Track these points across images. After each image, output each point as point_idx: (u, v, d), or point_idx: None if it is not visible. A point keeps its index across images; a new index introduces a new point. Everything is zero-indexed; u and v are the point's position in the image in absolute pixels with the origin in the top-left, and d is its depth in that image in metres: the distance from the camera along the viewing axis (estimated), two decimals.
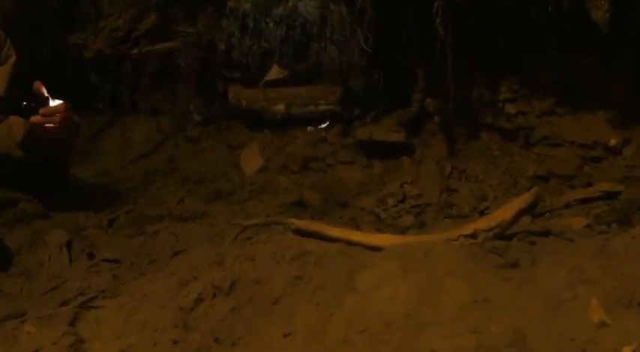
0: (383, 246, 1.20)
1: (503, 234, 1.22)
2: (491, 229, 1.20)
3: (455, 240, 1.19)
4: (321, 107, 2.42)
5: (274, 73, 2.49)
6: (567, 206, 1.62)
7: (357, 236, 1.27)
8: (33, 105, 1.81)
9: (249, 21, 2.36)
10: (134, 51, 2.57)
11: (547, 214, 1.59)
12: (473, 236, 1.19)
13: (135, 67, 2.67)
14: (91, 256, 1.76)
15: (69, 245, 1.89)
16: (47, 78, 2.02)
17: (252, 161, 2.40)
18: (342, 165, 2.11)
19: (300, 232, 1.32)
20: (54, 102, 1.76)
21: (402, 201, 1.78)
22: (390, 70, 2.13)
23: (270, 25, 2.34)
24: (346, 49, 2.17)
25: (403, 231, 1.56)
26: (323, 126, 2.37)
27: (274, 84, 2.51)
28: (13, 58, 2.01)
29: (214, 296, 1.19)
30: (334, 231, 1.29)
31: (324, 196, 1.98)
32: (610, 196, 1.61)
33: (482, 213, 1.60)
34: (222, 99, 2.72)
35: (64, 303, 1.44)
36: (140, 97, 2.77)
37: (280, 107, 2.46)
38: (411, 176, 1.92)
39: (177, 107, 2.76)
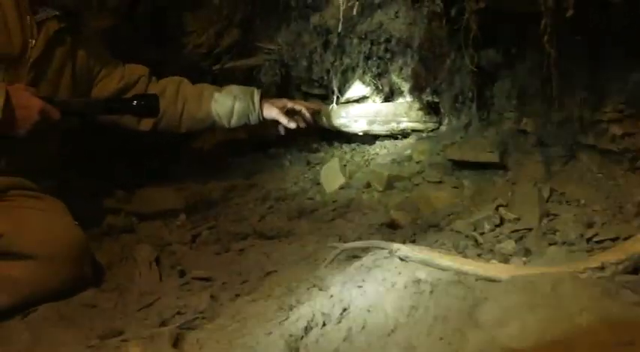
0: (502, 277, 1.14)
1: (633, 268, 1.14)
2: (620, 262, 1.12)
3: (581, 273, 1.12)
4: (404, 124, 2.38)
5: (356, 89, 2.46)
6: None
7: (471, 265, 1.21)
8: (143, 103, 1.92)
9: (332, 37, 2.34)
10: (216, 67, 2.58)
11: None
12: (601, 269, 1.11)
13: (215, 83, 2.68)
14: (182, 274, 1.76)
15: (157, 260, 1.90)
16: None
17: (332, 178, 2.37)
18: (429, 185, 2.05)
19: (408, 258, 1.28)
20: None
21: (500, 225, 1.71)
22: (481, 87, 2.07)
23: (354, 41, 2.32)
24: (435, 65, 2.13)
25: (506, 257, 1.49)
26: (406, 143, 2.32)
27: (355, 100, 2.48)
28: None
29: (324, 324, 1.15)
30: (446, 259, 1.23)
31: (413, 217, 1.92)
32: None
33: (589, 241, 1.52)
34: None
35: (163, 323, 1.43)
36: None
37: (362, 124, 2.42)
38: (506, 198, 1.84)
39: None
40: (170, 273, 1.81)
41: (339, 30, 2.26)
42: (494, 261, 1.39)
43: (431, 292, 1.13)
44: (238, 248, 1.95)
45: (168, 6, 2.55)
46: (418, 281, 1.17)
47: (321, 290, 1.33)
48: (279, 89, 2.61)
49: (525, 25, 1.77)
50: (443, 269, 1.23)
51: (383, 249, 1.35)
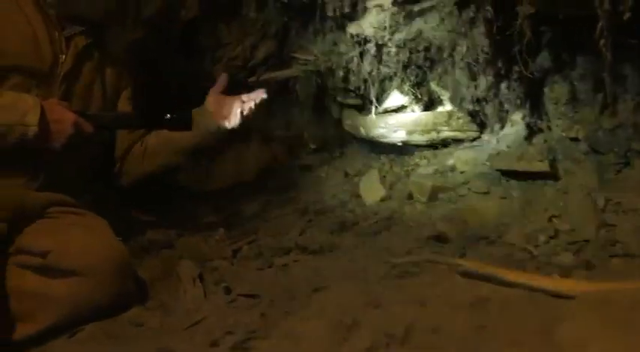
0: (574, 294, 1.08)
1: None
2: None
3: None
4: (444, 134, 2.32)
5: (394, 98, 2.42)
6: None
7: (540, 281, 1.15)
8: (176, 116, 1.88)
9: (370, 46, 2.30)
10: (251, 79, 2.56)
11: None
12: None
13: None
14: (227, 291, 1.72)
15: (201, 277, 1.87)
16: (168, 104, 2.10)
17: (372, 190, 2.32)
18: (476, 196, 1.99)
19: (469, 274, 1.22)
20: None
21: (554, 237, 1.65)
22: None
23: (393, 49, 2.27)
24: (478, 72, 2.08)
25: (566, 270, 1.42)
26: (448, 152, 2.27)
27: (394, 110, 2.44)
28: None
29: (388, 345, 1.10)
30: (512, 275, 1.18)
31: (460, 229, 1.87)
32: None
33: None
34: (336, 126, 2.67)
35: (214, 343, 1.39)
36: (253, 125, 2.75)
37: (401, 134, 2.37)
38: (558, 208, 1.78)
39: (291, 134, 2.74)
40: (215, 290, 1.77)
41: (377, 39, 2.24)
42: (556, 276, 1.33)
43: (500, 310, 1.08)
44: (281, 263, 1.91)
45: (201, 18, 2.54)
46: (485, 299, 1.12)
47: (377, 308, 1.28)
48: (316, 100, 2.58)
49: (576, 30, 1.72)
50: (510, 285, 1.17)
51: (440, 263, 1.30)
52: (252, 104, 2.01)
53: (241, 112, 2.00)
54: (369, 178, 2.38)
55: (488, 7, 1.61)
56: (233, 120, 2.01)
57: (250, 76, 2.58)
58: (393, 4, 1.96)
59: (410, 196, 2.17)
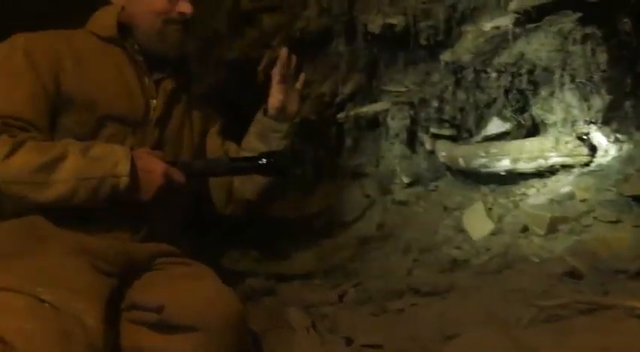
0: None
1: None
2: None
3: None
4: (552, 160, 2.17)
5: (495, 126, 2.29)
6: None
7: None
8: (272, 161, 1.76)
9: (466, 73, 2.19)
10: (340, 115, 2.49)
11: None
12: None
13: (339, 131, 2.59)
14: (349, 341, 1.61)
15: (313, 325, 1.77)
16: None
17: (479, 224, 2.18)
18: (603, 225, 1.82)
19: None
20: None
21: None
22: None
23: (492, 75, 2.16)
24: (591, 93, 1.93)
25: None
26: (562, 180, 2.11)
27: (495, 138, 2.31)
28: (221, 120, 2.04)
29: None
30: None
31: (590, 263, 1.71)
32: None
33: None
34: (430, 158, 2.56)
35: None
36: (342, 161, 2.68)
37: (505, 163, 2.23)
38: None
39: (382, 169, 2.64)
40: (331, 339, 1.66)
41: (475, 64, 2.13)
42: None
43: None
44: (396, 307, 1.79)
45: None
46: None
47: None
48: (407, 132, 2.48)
49: None
50: None
51: (592, 303, 1.15)
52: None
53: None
54: (474, 211, 2.24)
55: (627, 20, 1.48)
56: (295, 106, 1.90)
57: (339, 112, 2.51)
58: (515, 24, 1.85)
59: (524, 229, 2.02)
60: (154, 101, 1.79)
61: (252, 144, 1.92)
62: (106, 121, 1.70)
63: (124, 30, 1.78)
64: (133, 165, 1.56)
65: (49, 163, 1.50)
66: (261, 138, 1.91)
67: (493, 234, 2.10)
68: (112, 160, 1.55)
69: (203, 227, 2.32)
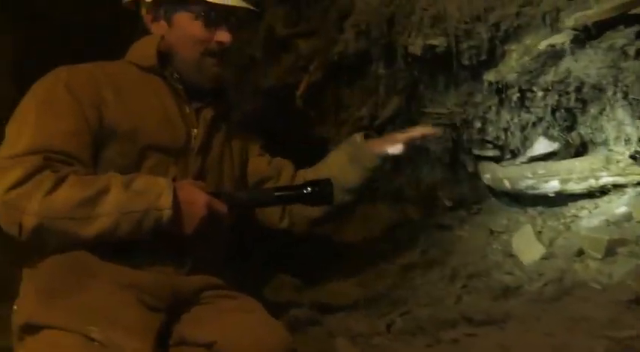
0: None
1: None
2: None
3: None
4: (604, 180, 2.09)
5: (542, 146, 2.22)
6: None
7: None
8: (317, 190, 1.71)
9: (511, 92, 2.13)
10: None
11: None
12: None
13: None
14: None
15: None
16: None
17: (529, 248, 2.10)
18: None
19: None
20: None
21: None
22: None
23: (538, 93, 2.09)
24: None
25: None
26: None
27: (542, 158, 2.24)
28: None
29: None
30: None
31: None
32: None
33: None
34: (472, 180, 2.49)
35: None
36: (382, 184, 2.62)
37: (553, 184, 2.16)
38: None
39: (423, 192, 2.57)
40: None
41: (520, 84, 2.07)
42: None
43: None
44: (450, 337, 1.72)
45: (324, 81, 2.47)
46: None
47: None
48: (450, 153, 2.42)
49: None
50: None
51: None
52: (421, 132, 1.95)
53: (409, 139, 1.91)
54: (523, 235, 2.16)
55: None
56: (398, 146, 1.90)
57: (378, 136, 2.45)
58: (573, 41, 1.79)
59: (579, 252, 1.93)
60: (195, 130, 1.77)
61: (339, 162, 1.95)
62: (148, 152, 1.68)
63: (164, 59, 1.77)
64: (176, 197, 1.53)
65: (92, 197, 1.47)
66: (352, 160, 1.93)
67: (545, 258, 2.02)
68: (155, 193, 1.51)
69: (244, 255, 2.28)
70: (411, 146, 1.93)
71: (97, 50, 1.81)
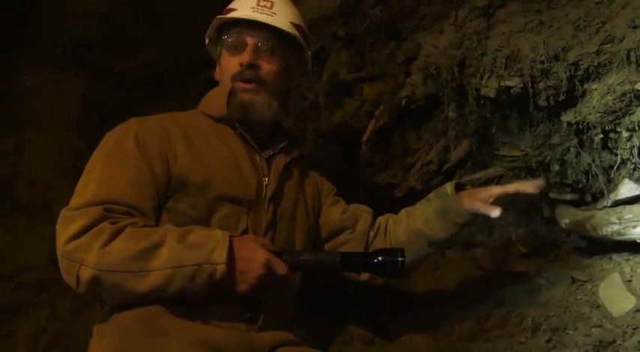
0: None
1: None
2: None
3: None
4: None
5: (627, 189, 2.09)
6: None
7: None
8: (388, 259, 1.60)
9: (592, 133, 2.02)
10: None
11: None
12: None
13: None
14: None
15: None
16: None
17: (618, 299, 1.96)
18: None
19: None
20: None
21: None
22: None
23: (623, 134, 1.98)
24: None
25: None
26: None
27: (627, 202, 2.10)
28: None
29: None
30: None
31: None
32: None
33: None
34: (548, 226, 2.37)
35: None
36: None
37: None
38: None
39: (495, 238, 2.46)
40: None
41: (603, 124, 1.97)
42: None
43: None
44: None
45: (390, 125, 2.40)
46: None
47: None
48: None
49: None
50: None
51: None
52: (517, 188, 1.81)
53: (504, 194, 1.78)
54: (610, 284, 2.02)
55: None
56: (494, 210, 1.75)
57: (447, 181, 2.36)
58: None
59: None
60: (266, 179, 1.74)
61: (425, 215, 1.87)
62: (219, 203, 1.65)
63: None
64: (232, 253, 1.46)
65: (146, 251, 1.43)
66: (441, 213, 1.84)
67: (638, 309, 1.88)
68: (210, 247, 1.46)
69: (312, 305, 2.20)
70: (505, 203, 1.80)
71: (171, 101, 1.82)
